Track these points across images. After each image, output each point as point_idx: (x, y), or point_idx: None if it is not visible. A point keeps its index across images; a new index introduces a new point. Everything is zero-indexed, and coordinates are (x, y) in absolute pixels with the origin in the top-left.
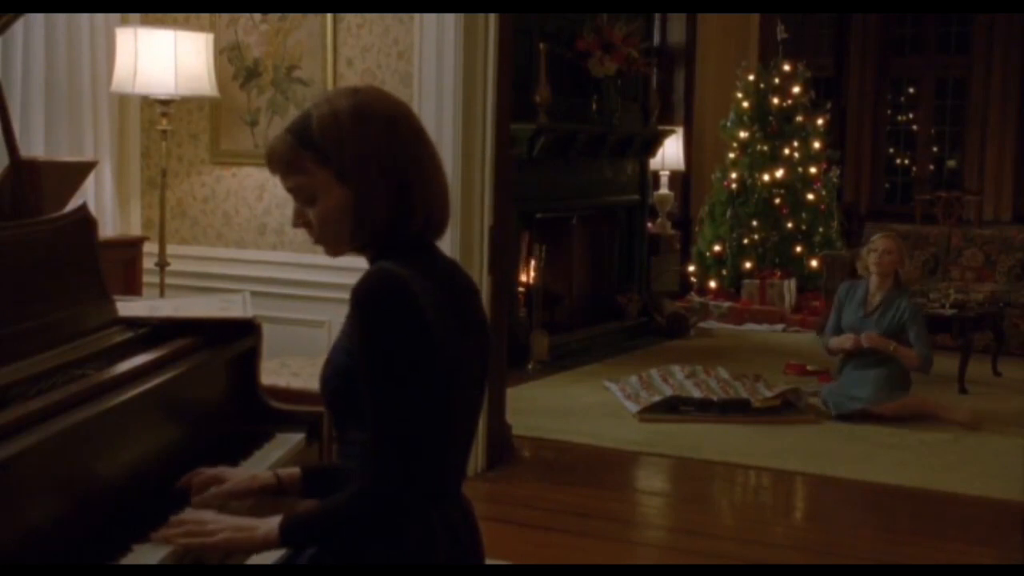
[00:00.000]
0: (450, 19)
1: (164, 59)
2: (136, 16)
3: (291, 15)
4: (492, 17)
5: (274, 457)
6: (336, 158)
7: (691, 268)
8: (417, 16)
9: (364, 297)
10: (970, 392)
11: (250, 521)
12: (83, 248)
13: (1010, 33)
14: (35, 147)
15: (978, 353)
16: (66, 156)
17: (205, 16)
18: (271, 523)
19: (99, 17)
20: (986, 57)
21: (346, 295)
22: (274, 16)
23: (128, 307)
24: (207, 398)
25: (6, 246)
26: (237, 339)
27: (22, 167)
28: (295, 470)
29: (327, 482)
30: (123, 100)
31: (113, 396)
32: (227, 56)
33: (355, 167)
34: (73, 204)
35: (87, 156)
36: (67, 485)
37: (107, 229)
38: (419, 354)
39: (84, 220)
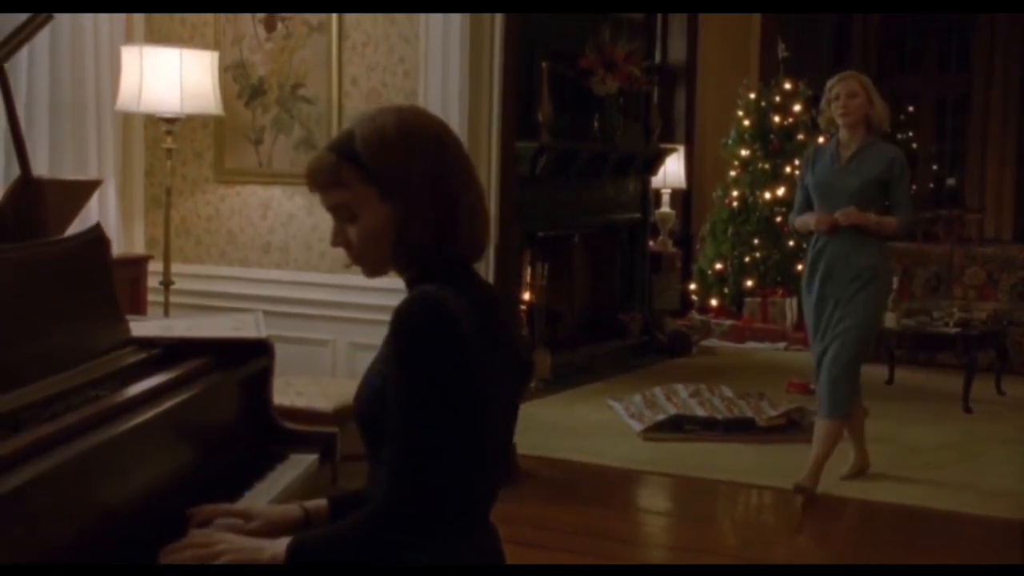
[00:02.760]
0: (455, 38)
1: (170, 77)
2: (141, 33)
3: (296, 33)
4: (497, 35)
5: (288, 478)
6: (381, 174)
7: (692, 286)
8: (422, 35)
9: (406, 320)
10: (975, 411)
11: (257, 542)
12: (97, 268)
13: (1010, 50)
14: (39, 166)
15: (981, 372)
16: (70, 175)
17: (210, 34)
18: (278, 545)
19: (104, 35)
20: (986, 75)
21: (352, 314)
22: (279, 34)
23: (141, 327)
24: (220, 419)
25: (21, 266)
26: (250, 359)
27: (32, 185)
28: (322, 502)
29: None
30: (127, 118)
31: (127, 419)
32: (232, 74)
33: (400, 184)
34: (78, 223)
35: (91, 175)
36: (80, 510)
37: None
38: (455, 379)
39: (98, 239)
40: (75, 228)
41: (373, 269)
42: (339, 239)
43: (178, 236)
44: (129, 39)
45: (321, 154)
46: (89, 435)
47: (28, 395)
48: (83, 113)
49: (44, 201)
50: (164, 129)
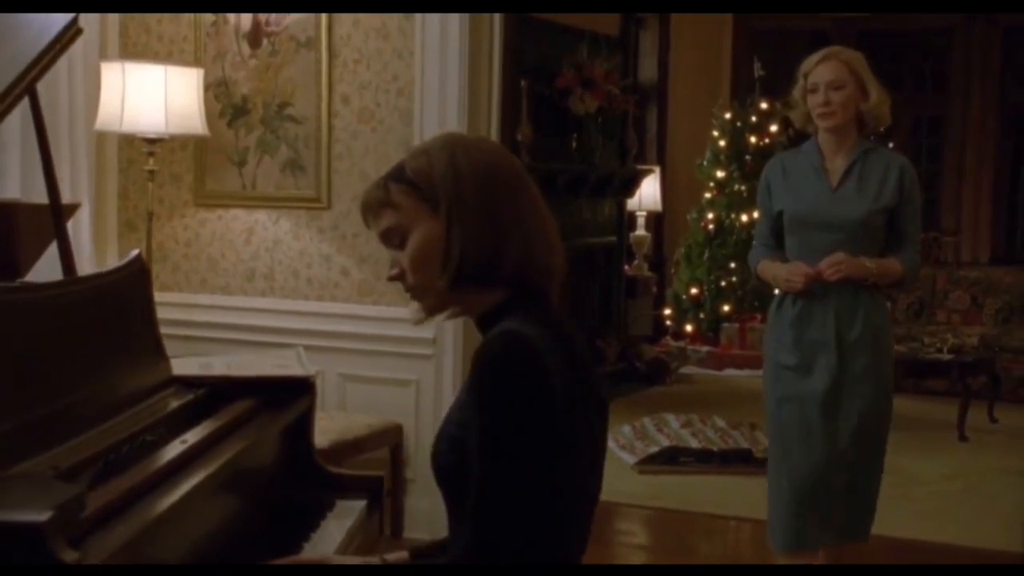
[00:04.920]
0: (453, 55)
1: (154, 96)
2: (115, 50)
3: (282, 50)
4: (496, 53)
5: (343, 529)
6: (428, 185)
7: (666, 311)
8: (418, 52)
9: (490, 363)
10: (970, 439)
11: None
12: (140, 302)
13: (986, 70)
14: (10, 189)
15: (971, 399)
16: (43, 198)
17: (189, 50)
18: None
19: (78, 52)
20: (963, 95)
21: (342, 344)
22: (264, 51)
23: (180, 364)
24: (269, 466)
25: (64, 307)
26: (297, 399)
27: (59, 211)
28: (403, 554)
29: None
30: (100, 138)
31: (182, 480)
32: (213, 92)
33: (447, 192)
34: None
35: (64, 198)
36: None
37: None
38: (543, 427)
39: (140, 272)
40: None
41: (426, 294)
42: (394, 269)
43: (154, 262)
44: (104, 56)
45: (373, 182)
46: (145, 503)
47: (82, 448)
48: (55, 133)
49: (17, 227)
50: (146, 150)
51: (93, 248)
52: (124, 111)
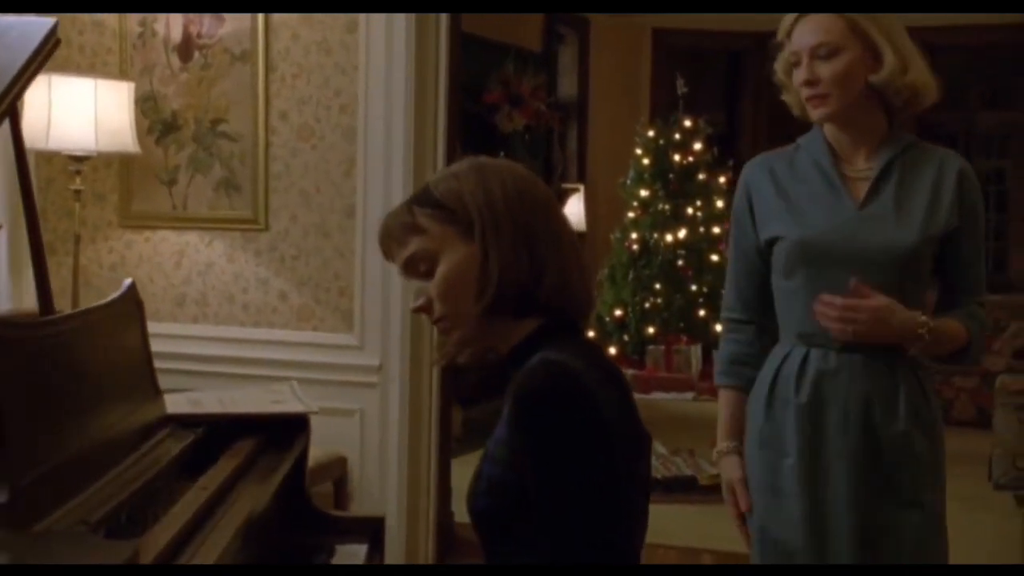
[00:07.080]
0: (399, 71)
1: (84, 112)
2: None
3: (215, 63)
4: (443, 67)
5: None
6: (458, 206)
7: (590, 333)
8: (362, 67)
9: (532, 395)
10: None
11: None
12: (136, 337)
13: None
14: None
15: None
16: None
17: (114, 63)
18: None
19: None
20: None
21: (280, 372)
22: (196, 65)
23: (170, 400)
24: (267, 511)
25: (69, 344)
26: (295, 436)
27: (39, 243)
28: None
29: None
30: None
31: (214, 529)
32: (141, 108)
33: (480, 215)
34: None
35: None
36: None
37: (1, 303)
38: (600, 464)
39: (135, 304)
40: None
41: (457, 326)
42: (419, 300)
43: (79, 288)
44: None
45: (394, 208)
46: (185, 558)
47: (99, 497)
48: None
49: None
50: (72, 168)
51: (8, 274)
52: (51, 127)
